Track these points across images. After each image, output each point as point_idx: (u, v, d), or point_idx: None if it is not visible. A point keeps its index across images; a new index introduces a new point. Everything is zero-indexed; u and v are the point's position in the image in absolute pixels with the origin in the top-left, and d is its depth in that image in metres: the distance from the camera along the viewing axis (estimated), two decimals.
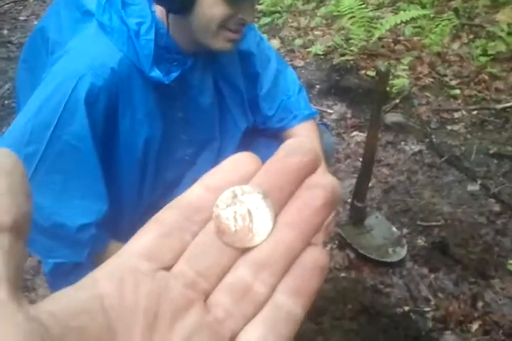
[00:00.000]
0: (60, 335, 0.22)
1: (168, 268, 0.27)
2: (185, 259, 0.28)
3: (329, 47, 3.09)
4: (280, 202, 0.29)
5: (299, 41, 3.17)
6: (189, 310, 0.27)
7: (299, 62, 3.01)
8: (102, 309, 0.25)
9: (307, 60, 3.04)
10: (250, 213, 0.29)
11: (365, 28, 3.07)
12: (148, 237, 0.28)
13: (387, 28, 3.02)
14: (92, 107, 0.99)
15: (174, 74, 1.06)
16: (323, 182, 0.29)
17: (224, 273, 0.28)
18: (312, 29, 3.31)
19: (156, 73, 1.02)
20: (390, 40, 3.15)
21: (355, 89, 2.77)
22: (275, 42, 3.13)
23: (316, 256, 0.28)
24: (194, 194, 0.29)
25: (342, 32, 3.19)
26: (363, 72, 2.88)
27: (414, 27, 3.18)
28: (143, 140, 1.09)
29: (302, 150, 0.29)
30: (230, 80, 1.25)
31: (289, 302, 0.27)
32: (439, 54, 3.02)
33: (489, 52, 2.99)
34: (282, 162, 0.29)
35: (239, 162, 0.30)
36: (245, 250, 0.28)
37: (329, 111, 2.65)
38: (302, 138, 0.31)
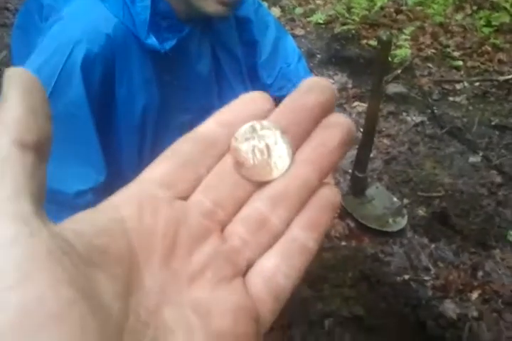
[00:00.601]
0: (85, 252, 0.22)
1: (185, 198, 0.27)
2: (201, 190, 0.28)
3: (330, 16, 3.05)
4: (297, 139, 0.29)
5: (299, 10, 3.12)
6: (207, 238, 0.27)
7: (300, 31, 2.97)
8: (123, 231, 0.24)
9: (308, 29, 2.99)
10: (269, 148, 0.29)
11: None
12: (164, 166, 0.28)
13: None
14: (88, 74, 0.97)
15: (171, 43, 1.03)
16: (339, 122, 0.29)
17: (240, 205, 0.28)
18: None
19: (151, 40, 1.00)
20: (392, 10, 3.10)
21: (356, 59, 2.74)
22: (275, 11, 3.07)
23: (329, 194, 0.29)
24: (209, 128, 0.29)
25: (343, 1, 3.14)
26: (364, 41, 2.85)
27: None
28: (141, 107, 1.07)
29: (320, 88, 0.29)
30: (227, 48, 1.22)
31: (303, 235, 0.28)
32: (441, 24, 2.98)
33: (493, 23, 2.95)
34: (300, 99, 0.29)
35: (251, 100, 0.29)
36: (262, 184, 0.28)
37: (330, 81, 2.62)
38: (320, 78, 0.31)
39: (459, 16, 3.03)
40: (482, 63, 2.77)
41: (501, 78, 2.67)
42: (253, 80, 1.31)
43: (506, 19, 2.94)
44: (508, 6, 2.98)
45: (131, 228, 0.25)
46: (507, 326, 1.66)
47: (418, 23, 2.97)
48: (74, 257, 0.21)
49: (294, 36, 2.47)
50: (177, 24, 1.05)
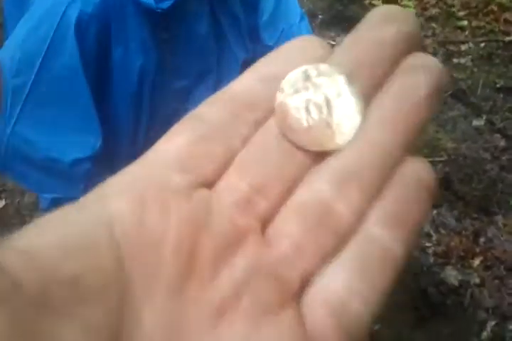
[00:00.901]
0: (38, 296, 0.14)
1: (210, 185, 0.19)
2: (235, 169, 0.20)
3: None
4: (370, 89, 0.21)
5: None
6: (241, 245, 0.19)
7: None
8: (111, 241, 0.17)
9: None
10: (329, 102, 0.21)
11: None
12: (181, 141, 0.20)
13: None
14: (83, 35, 0.93)
15: (167, 3, 0.98)
16: (428, 64, 0.21)
17: (291, 188, 0.20)
18: None
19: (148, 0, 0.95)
20: None
21: (359, 19, 2.64)
22: None
23: (420, 172, 0.20)
24: (245, 84, 0.21)
25: None
26: (367, 1, 2.77)
27: None
28: (137, 69, 1.03)
29: (401, 16, 0.21)
30: (227, 7, 1.18)
31: (386, 235, 0.19)
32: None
33: None
34: (374, 31, 0.21)
35: (303, 46, 0.22)
36: (322, 154, 0.20)
37: (332, 42, 2.55)
38: (395, 6, 0.22)
39: None
40: (488, 23, 2.70)
41: (507, 39, 2.60)
42: (254, 41, 1.26)
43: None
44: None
45: (126, 237, 0.17)
46: (509, 292, 1.66)
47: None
48: (17, 305, 0.14)
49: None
50: None
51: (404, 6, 2.64)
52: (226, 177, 0.20)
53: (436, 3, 2.79)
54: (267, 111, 0.21)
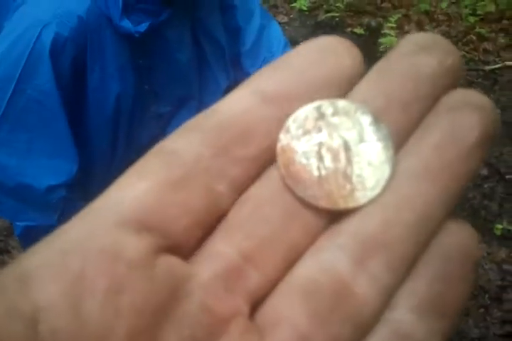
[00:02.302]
0: None
1: (182, 251, 0.15)
2: (220, 231, 0.15)
3: (314, 3, 2.99)
4: (402, 132, 0.17)
5: None
6: (221, 340, 0.14)
7: (283, 18, 2.91)
8: None
9: (291, 16, 2.94)
10: (349, 148, 0.17)
11: None
12: (143, 185, 0.15)
13: None
14: (57, 59, 0.91)
15: (144, 26, 0.97)
16: (479, 102, 0.17)
17: (295, 258, 0.16)
18: None
19: (125, 23, 0.94)
20: None
21: None
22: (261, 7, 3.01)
23: (465, 243, 0.16)
24: (238, 106, 0.16)
25: None
26: (349, 29, 2.79)
27: None
28: (114, 96, 1.01)
29: (441, 46, 0.17)
30: (210, 34, 1.17)
31: (419, 327, 0.15)
32: (427, 12, 2.93)
33: (478, 12, 2.92)
34: (409, 62, 0.17)
35: (323, 51, 0.17)
36: (338, 215, 0.16)
37: None
38: (432, 34, 0.18)
39: (444, 4, 2.99)
40: (467, 52, 2.74)
41: (487, 68, 2.64)
42: (236, 69, 1.25)
43: (491, 8, 2.91)
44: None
45: (55, 337, 0.13)
46: (494, 322, 1.64)
47: (403, 11, 2.92)
48: None
49: (278, 23, 2.41)
50: (155, 8, 0.99)
51: (385, 35, 2.67)
52: (207, 240, 0.15)
53: (417, 31, 2.83)
54: (265, 146, 0.16)
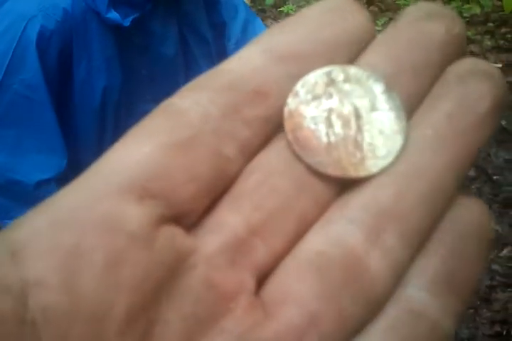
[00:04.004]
0: None
1: (185, 221, 0.14)
2: (227, 200, 0.15)
3: (301, 6, 3.00)
4: (414, 100, 0.16)
5: (270, 0, 3.08)
6: (223, 317, 0.13)
7: (271, 23, 2.92)
8: (20, 319, 0.12)
9: (279, 20, 2.93)
10: (360, 116, 0.16)
11: None
12: (146, 147, 0.14)
13: None
14: (44, 53, 0.91)
15: (133, 16, 0.97)
16: (488, 71, 0.16)
17: (304, 229, 0.15)
18: None
19: (113, 14, 0.94)
20: (364, 1, 3.06)
21: None
22: (245, 2, 3.02)
23: (477, 217, 0.15)
24: (249, 64, 0.15)
25: None
26: None
27: None
28: (101, 88, 1.00)
29: (447, 16, 0.17)
30: (196, 29, 1.17)
31: (433, 305, 0.14)
32: None
33: (464, 15, 2.94)
34: (418, 29, 0.16)
35: (333, 12, 0.16)
36: (348, 183, 0.15)
37: None
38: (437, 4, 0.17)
39: None
40: None
41: None
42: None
43: (477, 10, 2.93)
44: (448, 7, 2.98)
45: (46, 312, 0.12)
46: (483, 322, 1.64)
47: (390, 14, 2.94)
48: None
49: (265, 27, 2.42)
50: (140, 0, 0.98)
51: None
52: (212, 211, 0.14)
53: None
54: (277, 107, 0.15)
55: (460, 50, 0.17)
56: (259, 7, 3.05)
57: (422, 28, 0.17)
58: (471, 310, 1.67)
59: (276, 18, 2.96)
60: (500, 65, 2.47)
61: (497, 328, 1.61)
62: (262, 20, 2.86)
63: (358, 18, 0.17)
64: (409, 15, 0.17)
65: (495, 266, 1.77)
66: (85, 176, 0.14)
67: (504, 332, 1.58)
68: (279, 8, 3.01)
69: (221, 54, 1.24)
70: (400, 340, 0.14)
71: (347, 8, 0.17)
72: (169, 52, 1.10)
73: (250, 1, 3.09)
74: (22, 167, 0.96)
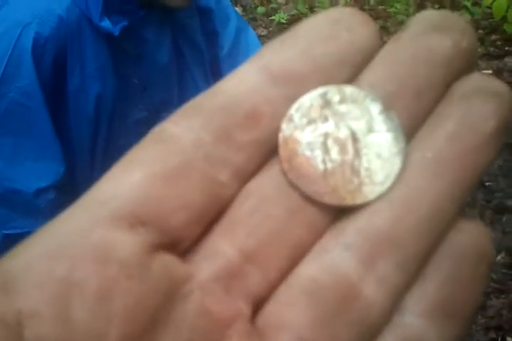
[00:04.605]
0: None
1: (178, 249, 0.14)
2: (220, 228, 0.14)
3: (293, 15, 3.02)
4: (415, 121, 0.15)
5: (261, 9, 3.09)
6: None
7: (262, 31, 2.93)
8: None
9: (270, 29, 2.96)
10: (356, 138, 0.15)
11: None
12: (137, 176, 0.14)
13: None
14: (39, 60, 0.90)
15: (123, 25, 0.97)
16: (495, 88, 0.15)
17: (298, 257, 0.15)
18: None
19: (105, 23, 0.93)
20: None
21: None
22: (237, 10, 3.04)
23: (478, 241, 0.15)
24: (245, 84, 0.15)
25: (306, 0, 3.12)
26: None
27: None
28: (94, 97, 1.00)
29: (456, 26, 0.16)
30: (190, 37, 1.17)
31: (430, 331, 0.14)
32: (404, 23, 2.98)
33: None
34: (421, 44, 0.15)
35: (336, 25, 0.15)
36: (344, 211, 0.15)
37: None
38: (447, 12, 0.16)
39: None
40: None
41: None
42: (214, 73, 1.25)
43: (467, 18, 2.96)
44: (468, 4, 3.00)
45: None
46: (478, 329, 1.64)
47: (381, 22, 2.96)
48: None
49: (257, 36, 2.43)
50: (134, 8, 0.98)
51: None
52: (206, 237, 0.14)
53: None
54: (272, 130, 0.15)
55: (469, 64, 0.16)
56: (251, 15, 3.06)
57: (426, 42, 0.16)
58: None
59: (267, 27, 2.97)
60: (490, 72, 2.49)
61: (492, 335, 1.61)
62: (254, 29, 2.87)
63: (364, 31, 0.16)
64: (414, 26, 0.16)
65: None
66: (78, 205, 0.14)
67: (499, 339, 1.58)
68: (271, 16, 3.03)
69: (214, 62, 1.24)
70: None
71: (352, 20, 0.16)
72: (163, 60, 1.10)
73: (242, 9, 3.11)
74: (20, 175, 0.95)
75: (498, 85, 0.16)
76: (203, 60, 1.21)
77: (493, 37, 2.78)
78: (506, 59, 2.60)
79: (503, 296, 1.68)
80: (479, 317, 1.66)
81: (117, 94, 1.03)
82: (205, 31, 1.20)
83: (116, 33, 0.95)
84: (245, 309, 0.14)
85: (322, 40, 0.15)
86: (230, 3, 1.33)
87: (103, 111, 1.03)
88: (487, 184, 2.07)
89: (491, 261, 0.15)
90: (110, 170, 0.14)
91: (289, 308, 0.14)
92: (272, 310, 0.14)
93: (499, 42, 2.73)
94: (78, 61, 0.96)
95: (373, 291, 0.14)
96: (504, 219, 1.93)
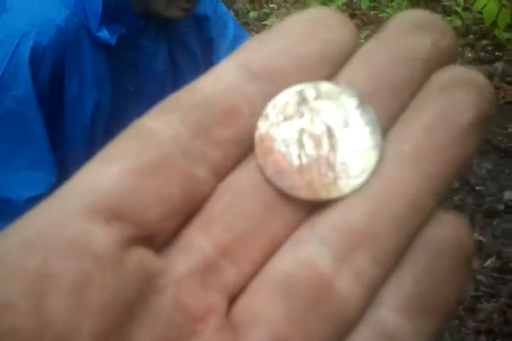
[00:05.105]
0: None
1: (154, 243, 0.14)
2: (197, 222, 0.14)
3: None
4: (390, 115, 0.15)
5: (253, 14, 3.10)
6: (194, 339, 0.13)
7: (254, 36, 2.94)
8: None
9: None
10: (332, 134, 0.15)
11: (321, 0, 3.00)
12: (115, 169, 0.14)
13: (344, 2, 2.97)
14: (37, 69, 0.91)
15: (121, 35, 0.97)
16: (474, 79, 0.15)
17: (273, 251, 0.15)
18: (267, 2, 3.23)
19: (103, 33, 0.94)
20: (347, 14, 3.07)
21: None
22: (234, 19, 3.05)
23: (456, 234, 0.15)
24: (222, 82, 0.15)
25: (298, 5, 3.12)
26: None
27: (370, 1, 3.14)
28: (91, 106, 1.00)
29: (435, 26, 0.16)
30: (185, 47, 1.18)
31: (405, 327, 0.14)
32: None
33: None
34: (400, 42, 0.16)
35: (315, 23, 0.15)
36: (319, 206, 0.15)
37: None
38: (428, 12, 0.16)
39: None
40: None
41: None
42: None
43: (458, 23, 2.97)
44: (459, 10, 3.01)
45: (14, 336, 0.12)
46: (468, 332, 1.65)
47: (372, 27, 2.96)
48: None
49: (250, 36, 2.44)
50: (132, 19, 0.99)
51: None
52: (182, 232, 0.14)
53: None
54: (250, 127, 0.15)
55: (449, 62, 0.16)
56: (243, 20, 3.07)
57: (406, 41, 0.16)
58: (457, 321, 1.68)
59: (259, 31, 2.98)
60: None
61: (482, 338, 1.62)
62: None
63: (343, 30, 0.16)
64: (394, 26, 0.16)
65: (479, 277, 1.78)
66: (55, 197, 0.14)
67: None
68: (263, 21, 3.03)
69: (209, 68, 1.24)
70: None
71: (331, 20, 0.16)
72: (159, 69, 1.11)
73: (234, 14, 3.11)
74: (11, 183, 0.95)
75: (475, 76, 0.16)
76: (198, 68, 1.21)
77: (484, 42, 2.79)
78: (497, 64, 2.62)
79: (494, 300, 1.69)
80: (470, 321, 1.67)
81: (114, 103, 1.04)
82: (201, 39, 1.21)
83: (113, 42, 0.95)
84: (220, 303, 0.14)
85: (302, 38, 0.15)
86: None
87: (99, 119, 1.03)
88: (477, 188, 2.08)
89: (470, 254, 0.15)
90: (88, 164, 0.14)
91: (263, 303, 0.14)
92: (246, 305, 0.14)
93: (489, 48, 2.75)
94: (76, 70, 0.96)
95: (348, 286, 0.14)
96: (494, 223, 1.94)
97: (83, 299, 0.12)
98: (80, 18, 0.94)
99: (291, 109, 0.16)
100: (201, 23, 1.19)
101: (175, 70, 1.16)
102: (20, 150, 0.95)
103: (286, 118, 0.16)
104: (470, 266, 0.15)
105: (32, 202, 0.94)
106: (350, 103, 0.16)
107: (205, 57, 1.22)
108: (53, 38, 0.91)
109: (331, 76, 0.16)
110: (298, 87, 0.16)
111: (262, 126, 0.15)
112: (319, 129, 0.15)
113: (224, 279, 0.14)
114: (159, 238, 0.14)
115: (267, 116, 0.15)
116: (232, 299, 0.14)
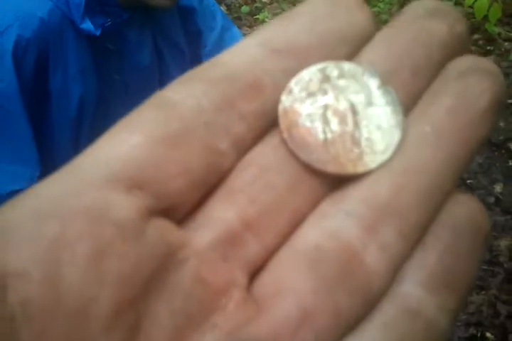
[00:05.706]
0: None
1: (176, 214, 0.14)
2: (221, 194, 0.14)
3: (277, 14, 3.02)
4: (412, 96, 0.16)
5: (245, 8, 3.09)
6: (214, 313, 0.13)
7: (246, 30, 2.93)
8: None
9: (255, 28, 2.96)
10: (356, 111, 0.16)
11: None
12: (136, 139, 0.13)
13: None
14: (20, 62, 0.90)
15: (104, 27, 0.97)
16: (488, 68, 0.16)
17: (297, 225, 0.14)
18: None
19: (87, 25, 0.93)
20: None
21: None
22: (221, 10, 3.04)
23: (474, 214, 0.15)
24: (245, 57, 0.15)
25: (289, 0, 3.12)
26: None
27: None
28: (77, 99, 1.00)
29: (451, 14, 0.17)
30: (170, 38, 1.17)
31: (429, 302, 0.14)
32: (388, 22, 2.99)
33: None
34: (419, 27, 0.16)
35: (335, 5, 0.16)
36: (345, 180, 0.15)
37: None
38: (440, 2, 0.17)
39: None
40: None
41: None
42: None
43: None
44: (451, 4, 3.02)
45: (26, 305, 0.11)
46: (458, 325, 1.65)
47: None
48: None
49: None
50: (116, 10, 0.98)
51: None
52: (204, 205, 0.14)
53: None
54: (273, 101, 0.15)
55: (462, 48, 0.17)
56: (235, 15, 3.06)
57: (424, 25, 0.16)
58: None
59: (251, 26, 2.98)
60: None
61: (472, 330, 1.63)
62: (238, 28, 2.88)
63: (362, 13, 0.16)
64: (411, 12, 0.17)
65: None
66: (71, 166, 0.13)
67: (479, 335, 1.60)
68: (255, 15, 3.03)
69: (196, 63, 1.23)
70: (395, 338, 0.13)
71: (350, 3, 0.16)
72: (144, 61, 1.10)
73: (226, 8, 3.11)
74: None
75: (490, 65, 0.17)
76: (183, 61, 1.20)
77: (475, 36, 2.80)
78: (488, 58, 2.63)
79: (483, 292, 1.70)
80: (460, 313, 1.67)
81: (100, 96, 1.03)
82: (188, 31, 1.20)
83: (97, 32, 0.95)
84: (242, 277, 0.14)
85: (323, 17, 0.16)
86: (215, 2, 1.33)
87: (85, 112, 1.03)
88: (468, 182, 2.09)
89: (487, 233, 0.15)
90: (107, 132, 0.14)
91: (290, 275, 0.13)
92: (270, 277, 0.14)
93: (481, 42, 2.75)
94: (60, 63, 0.96)
95: (375, 259, 0.14)
96: None
97: (101, 269, 0.12)
98: (63, 11, 0.93)
99: (314, 86, 0.16)
100: (187, 14, 1.19)
101: (160, 62, 1.15)
102: (3, 144, 0.94)
103: (309, 95, 0.16)
104: (487, 244, 0.15)
105: (14, 196, 0.94)
106: (372, 83, 0.16)
107: (192, 50, 1.22)
108: (36, 31, 0.91)
109: (350, 56, 0.16)
110: (320, 65, 0.16)
111: (286, 101, 0.15)
112: (343, 106, 0.16)
113: (246, 252, 0.14)
114: (181, 210, 0.14)
115: (290, 91, 0.15)
116: (255, 273, 0.14)
